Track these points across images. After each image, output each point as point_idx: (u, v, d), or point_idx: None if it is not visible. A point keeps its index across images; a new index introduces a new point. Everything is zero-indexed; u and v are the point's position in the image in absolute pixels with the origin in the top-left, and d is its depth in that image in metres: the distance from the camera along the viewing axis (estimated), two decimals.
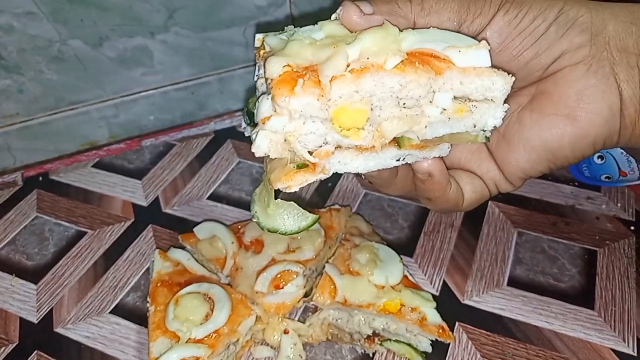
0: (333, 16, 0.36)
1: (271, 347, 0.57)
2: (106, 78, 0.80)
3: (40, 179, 0.81)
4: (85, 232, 0.72)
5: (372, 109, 0.33)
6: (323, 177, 0.35)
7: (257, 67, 0.39)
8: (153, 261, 0.61)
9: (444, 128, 0.35)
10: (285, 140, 0.33)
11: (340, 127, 0.33)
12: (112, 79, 0.81)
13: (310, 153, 0.34)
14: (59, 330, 0.61)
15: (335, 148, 0.35)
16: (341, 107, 0.32)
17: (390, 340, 0.56)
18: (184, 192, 0.77)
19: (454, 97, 0.34)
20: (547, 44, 0.35)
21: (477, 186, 0.42)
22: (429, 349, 0.56)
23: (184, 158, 0.83)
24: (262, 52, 0.37)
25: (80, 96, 0.80)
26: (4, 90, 0.76)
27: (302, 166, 0.34)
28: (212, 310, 0.53)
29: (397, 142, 0.36)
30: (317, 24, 0.36)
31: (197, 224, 0.66)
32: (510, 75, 0.34)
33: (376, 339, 0.57)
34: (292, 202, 0.38)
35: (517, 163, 0.39)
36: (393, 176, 0.40)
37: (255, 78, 0.39)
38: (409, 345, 0.56)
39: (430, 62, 0.33)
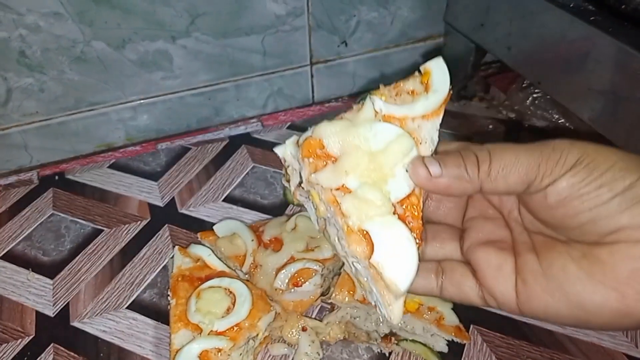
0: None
1: (288, 344, 0.58)
2: (126, 80, 0.82)
3: (56, 178, 0.82)
4: (102, 230, 0.73)
5: None
6: None
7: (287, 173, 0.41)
8: (172, 257, 0.61)
9: None
10: None
11: None
12: (132, 82, 0.82)
13: None
14: (75, 324, 0.61)
15: None
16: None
17: (406, 340, 0.57)
18: (200, 193, 0.78)
19: None
20: (606, 214, 0.33)
21: (467, 288, 0.38)
22: (445, 349, 0.56)
23: (200, 161, 0.84)
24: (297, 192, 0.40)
25: (99, 97, 0.82)
26: (25, 88, 0.77)
27: None
28: (234, 305, 0.54)
29: None
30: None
31: (213, 224, 0.66)
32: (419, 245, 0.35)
33: (392, 339, 0.57)
34: None
35: (545, 305, 0.35)
36: None
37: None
38: (425, 345, 0.56)
39: None
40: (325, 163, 0.36)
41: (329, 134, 0.36)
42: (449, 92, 0.39)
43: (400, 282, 0.34)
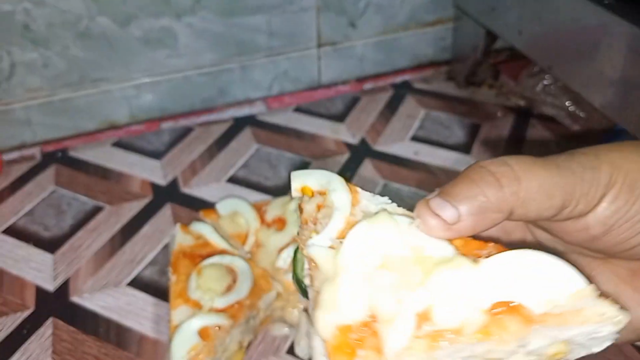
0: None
1: (289, 325, 0.57)
2: (131, 58, 0.81)
3: (59, 154, 0.81)
4: (103, 207, 0.72)
5: None
6: None
7: (300, 227, 0.29)
8: (173, 235, 0.61)
9: None
10: None
11: None
12: (137, 60, 0.81)
13: None
14: (75, 299, 0.61)
15: None
16: None
17: None
18: (203, 174, 0.77)
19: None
20: None
21: None
22: None
23: (203, 142, 0.83)
24: (306, 220, 0.28)
25: (103, 74, 0.81)
26: (29, 63, 0.77)
27: None
28: (234, 282, 0.53)
29: None
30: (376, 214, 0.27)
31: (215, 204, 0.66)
32: (624, 312, 0.26)
33: None
34: None
35: None
36: None
37: (299, 235, 0.29)
38: None
39: (517, 311, 0.25)
40: None
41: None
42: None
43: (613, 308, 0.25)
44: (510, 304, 0.25)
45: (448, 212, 0.26)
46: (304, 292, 0.29)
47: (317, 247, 0.26)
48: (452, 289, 0.25)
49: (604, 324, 0.25)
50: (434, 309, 0.24)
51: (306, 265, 0.28)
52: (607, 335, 0.26)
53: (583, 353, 0.27)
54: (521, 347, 0.25)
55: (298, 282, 0.29)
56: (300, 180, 0.29)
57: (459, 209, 0.26)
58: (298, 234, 0.28)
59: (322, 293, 0.25)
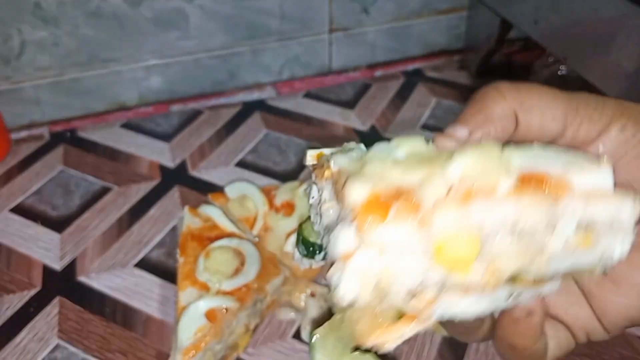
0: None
1: (296, 309, 0.57)
2: (141, 39, 0.80)
3: (68, 134, 0.81)
4: (111, 188, 0.72)
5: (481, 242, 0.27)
6: (423, 328, 0.27)
7: (312, 187, 0.31)
8: (182, 217, 0.60)
9: (566, 262, 0.28)
10: (376, 282, 0.26)
11: (446, 261, 0.26)
12: (147, 41, 0.81)
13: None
14: (82, 279, 0.61)
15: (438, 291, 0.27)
16: (446, 238, 0.26)
17: None
18: (211, 157, 0.77)
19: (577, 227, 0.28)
20: None
21: (563, 339, 0.32)
22: None
23: (212, 125, 0.83)
24: (326, 171, 0.29)
25: (113, 55, 0.80)
26: (39, 42, 0.76)
27: (399, 316, 0.26)
28: (242, 265, 0.53)
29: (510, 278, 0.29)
30: (391, 140, 0.29)
31: (223, 188, 0.65)
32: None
33: None
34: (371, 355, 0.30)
35: (625, 309, 0.31)
36: (481, 321, 0.31)
37: (312, 200, 0.31)
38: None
39: (545, 185, 0.26)
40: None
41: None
42: None
43: None
44: (540, 174, 0.26)
45: (459, 131, 0.27)
46: (311, 253, 0.30)
47: (341, 157, 0.27)
48: (482, 161, 0.26)
49: (624, 201, 0.26)
50: (465, 174, 0.25)
51: (324, 194, 0.28)
52: (627, 223, 0.27)
53: (608, 254, 0.27)
54: (550, 229, 0.26)
55: (306, 243, 0.31)
56: (315, 151, 0.30)
57: (468, 126, 0.27)
58: (313, 169, 0.30)
59: (350, 177, 0.26)
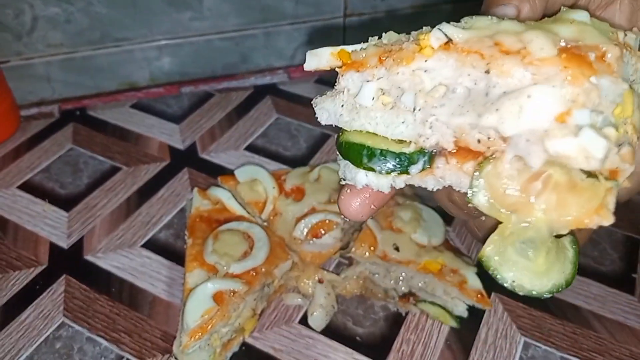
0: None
1: (303, 295, 0.56)
2: (154, 18, 0.79)
3: (78, 113, 0.80)
4: (121, 168, 0.71)
5: None
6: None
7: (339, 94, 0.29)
8: (190, 199, 0.60)
9: None
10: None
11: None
12: (160, 20, 0.80)
13: None
14: (88, 257, 0.60)
15: None
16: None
17: (425, 301, 0.55)
18: (221, 140, 0.76)
19: None
20: None
21: None
22: (465, 314, 0.54)
23: (223, 108, 0.82)
24: (425, 49, 0.26)
25: (125, 34, 0.79)
26: (52, 18, 0.75)
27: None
28: (251, 249, 0.52)
29: None
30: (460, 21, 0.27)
31: (233, 171, 0.64)
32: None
33: (411, 299, 0.56)
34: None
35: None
36: None
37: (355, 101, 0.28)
38: (444, 308, 0.55)
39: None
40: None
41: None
42: None
43: None
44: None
45: (508, 10, 0.29)
46: (402, 165, 0.27)
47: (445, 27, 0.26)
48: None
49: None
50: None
51: (380, 84, 0.27)
52: None
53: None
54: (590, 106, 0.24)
55: (387, 155, 0.28)
56: (328, 49, 0.29)
57: (513, 3, 0.29)
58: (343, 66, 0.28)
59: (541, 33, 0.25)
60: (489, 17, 0.27)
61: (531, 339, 0.54)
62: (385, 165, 0.27)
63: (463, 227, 0.65)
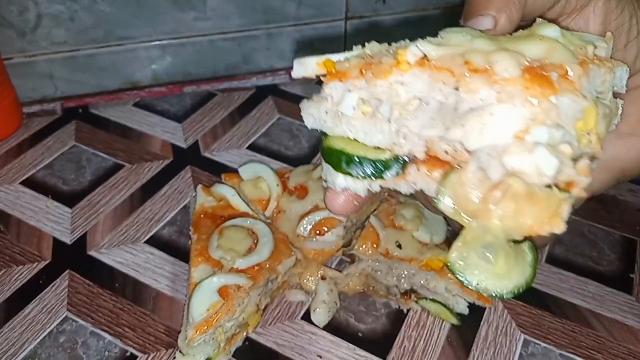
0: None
1: (306, 292, 0.57)
2: (157, 17, 0.80)
3: (80, 111, 0.81)
4: (123, 165, 0.72)
5: None
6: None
7: (321, 102, 0.30)
8: (194, 196, 0.60)
9: None
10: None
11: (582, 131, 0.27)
12: (163, 20, 0.80)
13: None
14: (92, 253, 0.61)
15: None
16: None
17: (426, 298, 0.56)
18: (224, 139, 0.77)
19: None
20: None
21: None
22: (465, 311, 0.55)
23: (225, 108, 0.83)
24: (402, 64, 0.28)
25: (129, 32, 0.80)
26: (56, 15, 0.76)
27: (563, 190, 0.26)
28: (255, 245, 0.53)
29: None
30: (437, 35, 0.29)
31: (236, 170, 0.65)
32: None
33: (412, 296, 0.56)
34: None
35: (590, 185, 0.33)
36: None
37: (335, 109, 0.30)
38: (445, 306, 0.55)
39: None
40: None
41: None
42: None
43: None
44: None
45: (486, 21, 0.30)
46: (377, 171, 0.29)
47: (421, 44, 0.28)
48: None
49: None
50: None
51: (359, 95, 0.28)
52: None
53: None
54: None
55: (364, 161, 0.30)
56: (314, 59, 0.30)
57: (490, 12, 0.30)
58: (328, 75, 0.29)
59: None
60: (464, 32, 0.28)
61: (531, 337, 0.55)
62: (362, 171, 0.30)
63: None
